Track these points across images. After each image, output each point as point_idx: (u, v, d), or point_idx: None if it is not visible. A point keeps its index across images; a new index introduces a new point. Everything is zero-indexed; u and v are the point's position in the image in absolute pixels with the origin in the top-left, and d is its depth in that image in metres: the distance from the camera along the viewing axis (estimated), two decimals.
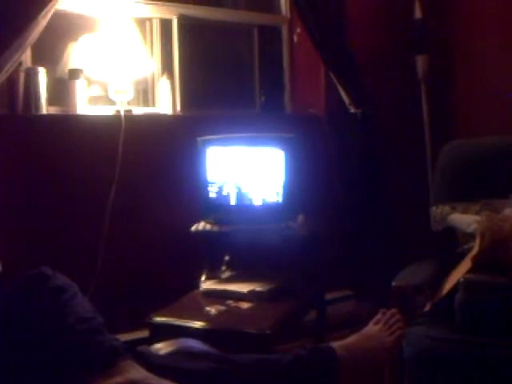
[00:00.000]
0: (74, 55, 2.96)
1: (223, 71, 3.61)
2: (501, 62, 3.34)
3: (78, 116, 2.84)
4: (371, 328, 1.88)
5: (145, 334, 2.36)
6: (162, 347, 1.72)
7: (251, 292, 2.48)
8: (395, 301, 2.13)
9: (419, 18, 3.52)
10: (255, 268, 2.80)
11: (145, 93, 3.26)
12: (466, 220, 2.27)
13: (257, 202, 2.71)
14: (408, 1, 3.53)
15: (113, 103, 2.95)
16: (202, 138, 2.76)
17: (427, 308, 2.17)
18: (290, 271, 2.81)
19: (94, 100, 3.01)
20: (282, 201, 2.68)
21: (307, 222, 2.76)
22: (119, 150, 2.82)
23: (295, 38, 3.67)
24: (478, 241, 2.07)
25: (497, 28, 3.37)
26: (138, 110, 3.07)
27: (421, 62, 3.52)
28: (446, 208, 2.37)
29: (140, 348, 1.57)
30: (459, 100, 3.58)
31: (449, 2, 3.58)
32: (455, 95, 3.60)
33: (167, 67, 3.26)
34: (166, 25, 3.27)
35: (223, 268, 2.82)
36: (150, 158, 2.93)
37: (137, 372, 1.37)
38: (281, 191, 2.67)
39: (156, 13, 3.22)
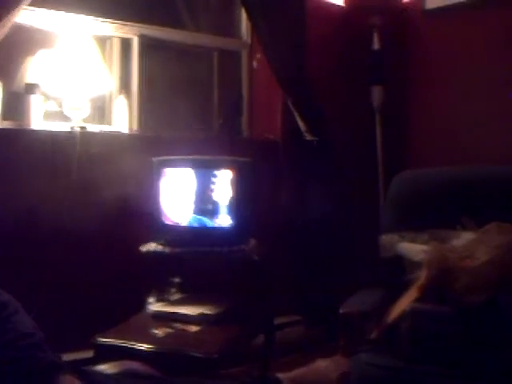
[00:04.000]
0: (31, 70, 2.93)
1: (182, 93, 3.61)
2: (454, 95, 3.43)
3: (33, 131, 2.81)
4: (318, 363, 1.90)
5: (90, 354, 2.34)
6: (105, 368, 1.69)
7: (200, 315, 2.47)
8: (342, 327, 2.15)
9: (377, 49, 3.59)
10: (205, 291, 2.79)
11: (101, 110, 3.24)
12: (413, 249, 2.30)
13: (209, 224, 2.71)
14: (367, 32, 3.61)
15: (68, 120, 2.92)
16: (158, 159, 2.75)
17: (373, 335, 2.19)
18: (239, 295, 2.81)
19: (50, 116, 2.98)
20: (235, 224, 2.67)
21: (258, 246, 2.77)
22: (73, 167, 2.79)
23: (255, 64, 3.71)
24: (424, 270, 2.11)
25: (451, 63, 3.46)
26: (94, 128, 3.04)
27: (376, 93, 3.59)
28: (395, 236, 2.39)
29: (84, 368, 1.55)
30: (412, 131, 3.65)
31: (406, 35, 3.67)
32: (409, 126, 3.67)
33: (125, 86, 3.25)
34: (126, 44, 3.27)
35: (173, 290, 2.80)
36: (104, 176, 2.90)
37: None
38: (234, 214, 2.68)
39: (117, 32, 3.22)
